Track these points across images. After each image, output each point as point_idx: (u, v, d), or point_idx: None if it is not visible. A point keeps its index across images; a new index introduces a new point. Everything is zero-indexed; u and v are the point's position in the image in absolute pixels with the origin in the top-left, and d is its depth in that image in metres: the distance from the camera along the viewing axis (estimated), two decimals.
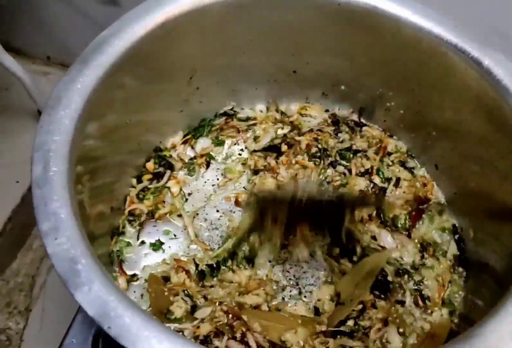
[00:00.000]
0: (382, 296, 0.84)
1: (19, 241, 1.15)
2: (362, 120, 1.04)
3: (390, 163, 0.99)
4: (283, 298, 0.84)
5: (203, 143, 1.00)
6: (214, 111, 1.02)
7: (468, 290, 0.85)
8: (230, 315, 0.78)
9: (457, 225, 0.93)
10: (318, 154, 0.98)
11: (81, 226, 0.60)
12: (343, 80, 0.98)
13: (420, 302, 0.84)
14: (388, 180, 0.97)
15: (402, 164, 1.00)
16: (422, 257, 0.89)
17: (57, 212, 0.58)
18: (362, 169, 0.97)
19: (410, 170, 0.99)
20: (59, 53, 1.39)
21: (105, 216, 0.84)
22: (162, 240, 0.89)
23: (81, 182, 0.69)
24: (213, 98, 0.99)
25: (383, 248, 0.89)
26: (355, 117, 1.05)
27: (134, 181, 0.92)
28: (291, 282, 0.86)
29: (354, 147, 0.99)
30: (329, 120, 1.04)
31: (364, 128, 1.03)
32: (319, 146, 0.99)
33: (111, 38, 0.73)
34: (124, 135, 0.84)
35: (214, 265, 0.85)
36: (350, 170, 0.97)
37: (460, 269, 0.88)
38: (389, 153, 1.01)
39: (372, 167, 0.97)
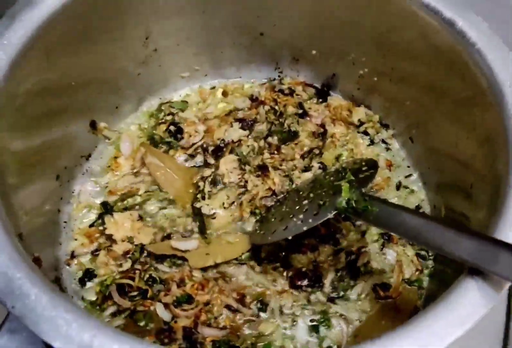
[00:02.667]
0: None
1: None
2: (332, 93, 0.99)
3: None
4: None
5: None
6: (176, 75, 0.96)
7: (433, 274, 0.81)
8: None
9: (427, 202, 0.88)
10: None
11: None
12: (313, 44, 0.91)
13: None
14: None
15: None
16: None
17: None
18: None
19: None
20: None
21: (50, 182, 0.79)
22: None
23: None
24: (173, 61, 0.92)
25: None
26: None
27: None
28: None
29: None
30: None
31: (329, 97, 0.99)
32: (276, 107, 0.95)
33: None
34: (68, 99, 0.78)
35: None
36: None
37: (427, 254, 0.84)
38: (361, 123, 0.95)
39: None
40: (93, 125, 0.87)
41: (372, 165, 0.75)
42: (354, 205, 0.67)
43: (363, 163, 0.76)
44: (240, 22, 0.88)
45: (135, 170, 0.89)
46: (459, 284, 0.53)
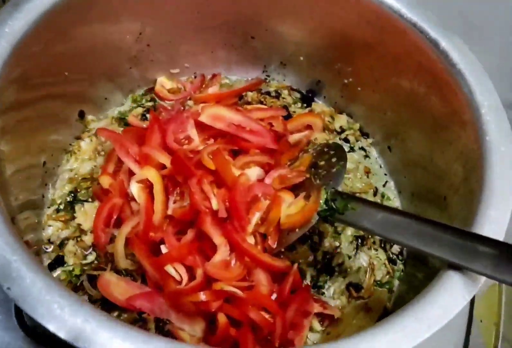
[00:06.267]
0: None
1: None
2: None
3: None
4: None
5: None
6: (166, 71, 0.97)
7: (403, 278, 0.85)
8: None
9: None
10: None
11: None
12: (302, 50, 0.95)
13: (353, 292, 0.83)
14: None
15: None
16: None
17: None
18: None
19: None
20: None
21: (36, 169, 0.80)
22: None
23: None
24: (165, 57, 0.94)
25: None
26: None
27: None
28: None
29: None
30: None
31: (313, 103, 1.02)
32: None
33: None
34: (61, 89, 0.79)
35: None
36: None
37: (397, 258, 0.88)
38: (342, 130, 0.99)
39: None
40: (81, 115, 0.88)
41: (338, 149, 0.81)
42: (333, 205, 0.70)
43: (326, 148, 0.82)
44: (234, 24, 0.91)
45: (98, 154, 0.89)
46: (439, 278, 0.58)
